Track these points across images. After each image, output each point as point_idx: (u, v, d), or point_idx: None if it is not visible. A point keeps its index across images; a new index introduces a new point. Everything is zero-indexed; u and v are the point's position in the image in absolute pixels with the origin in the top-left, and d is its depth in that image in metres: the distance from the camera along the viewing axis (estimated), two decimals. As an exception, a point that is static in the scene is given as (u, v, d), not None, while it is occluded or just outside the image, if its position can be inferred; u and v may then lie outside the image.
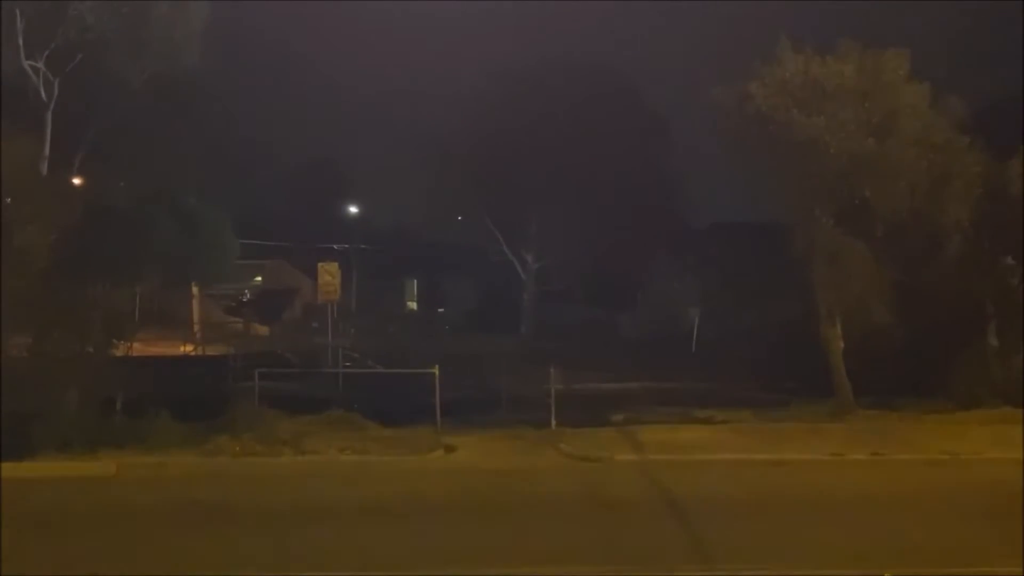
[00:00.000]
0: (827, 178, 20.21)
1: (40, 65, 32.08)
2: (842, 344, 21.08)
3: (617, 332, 45.71)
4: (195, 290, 48.16)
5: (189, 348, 38.82)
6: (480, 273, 54.11)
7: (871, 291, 20.35)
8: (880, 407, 20.66)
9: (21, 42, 31.45)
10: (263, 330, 49.30)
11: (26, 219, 17.65)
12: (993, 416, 19.14)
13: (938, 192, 20.25)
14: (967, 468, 15.64)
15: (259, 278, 58.95)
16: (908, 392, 21.16)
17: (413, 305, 63.15)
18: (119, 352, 19.60)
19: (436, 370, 19.79)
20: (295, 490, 14.49)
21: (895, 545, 11.11)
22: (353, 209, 60.29)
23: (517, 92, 45.83)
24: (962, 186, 20.34)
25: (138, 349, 29.43)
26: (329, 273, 30.31)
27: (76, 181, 32.33)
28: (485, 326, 46.44)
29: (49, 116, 32.16)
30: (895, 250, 20.54)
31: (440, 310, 57.59)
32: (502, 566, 10.39)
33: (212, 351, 36.50)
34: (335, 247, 51.88)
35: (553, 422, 19.30)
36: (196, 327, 45.21)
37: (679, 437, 18.12)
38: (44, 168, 27.72)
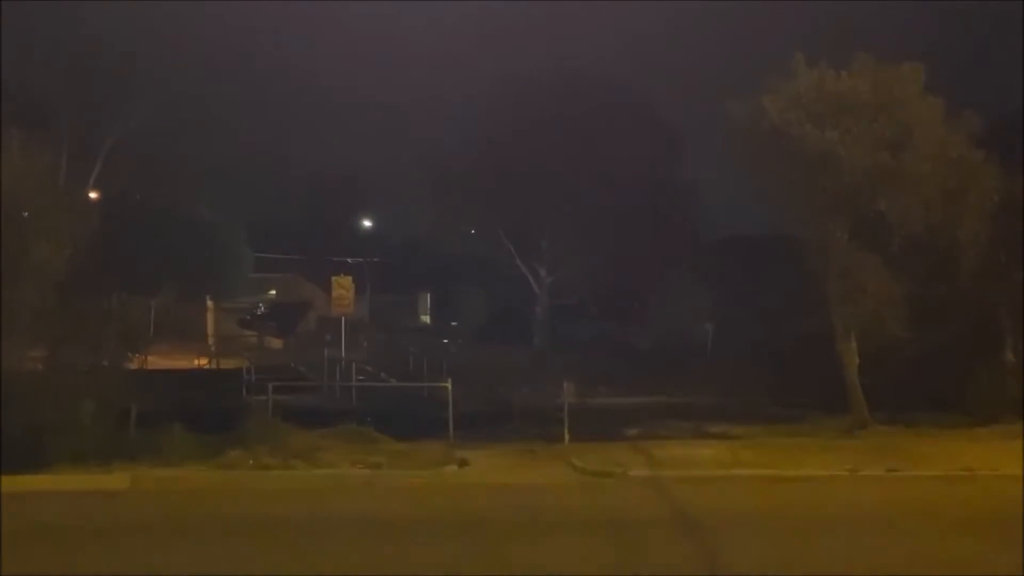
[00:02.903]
0: (841, 192, 20.16)
1: (57, 80, 32.38)
2: (857, 359, 20.98)
3: (630, 346, 45.64)
4: (210, 303, 48.47)
5: (203, 361, 38.98)
6: (493, 286, 54.16)
7: (886, 306, 20.26)
8: (896, 422, 20.53)
9: (37, 57, 31.80)
10: (277, 343, 49.51)
11: (42, 233, 17.75)
12: (1010, 432, 18.95)
13: (953, 206, 20.18)
14: (984, 484, 15.51)
15: (273, 291, 59.18)
16: (924, 407, 21.04)
17: (426, 318, 63.27)
18: (134, 365, 19.70)
19: (449, 384, 19.79)
20: (308, 504, 14.48)
21: (910, 561, 11.03)
22: (367, 223, 60.50)
23: (531, 105, 45.97)
24: (977, 200, 20.26)
25: (153, 362, 29.64)
26: (343, 287, 30.51)
27: (92, 195, 32.57)
28: (498, 339, 46.44)
29: (66, 130, 32.43)
30: (910, 264, 20.44)
31: (453, 323, 57.64)
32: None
33: (226, 364, 36.62)
34: (349, 261, 52.12)
35: (566, 436, 19.25)
36: (210, 340, 45.44)
37: (693, 452, 18.04)
38: (61, 182, 27.92)
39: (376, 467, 16.74)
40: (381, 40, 61.92)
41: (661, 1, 49.48)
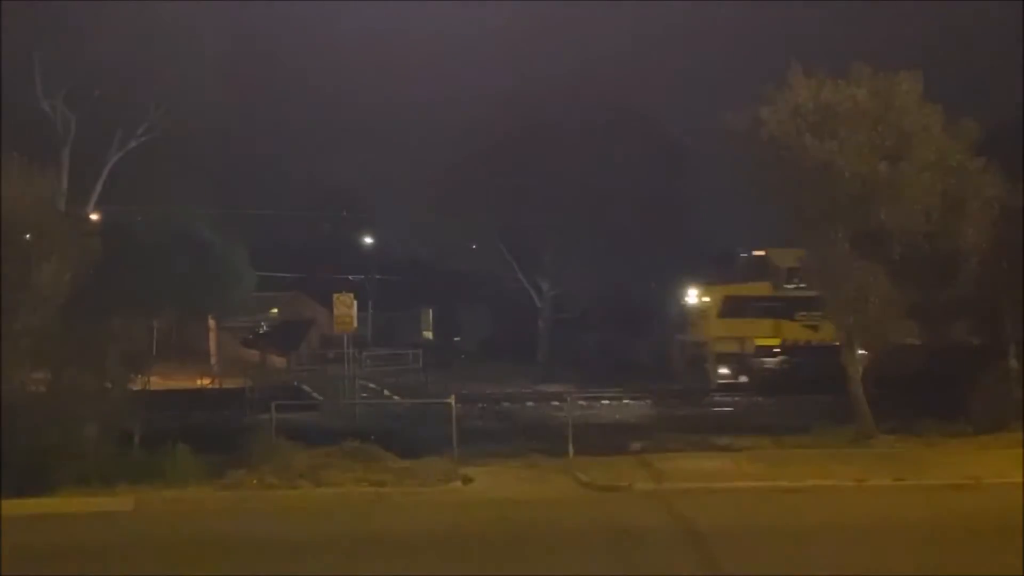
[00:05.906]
0: (841, 202, 20.13)
1: (58, 103, 32.45)
2: (861, 369, 20.92)
3: (634, 359, 45.55)
4: (212, 323, 48.42)
5: (206, 381, 38.93)
6: (495, 301, 54.09)
7: (889, 315, 20.22)
8: (901, 432, 20.48)
9: (39, 79, 31.86)
10: (280, 361, 49.44)
11: (44, 255, 17.75)
12: (1015, 439, 18.89)
13: (954, 214, 20.14)
14: (990, 493, 15.45)
15: (275, 310, 59.10)
16: (929, 416, 20.99)
17: (429, 334, 63.14)
18: (137, 386, 19.66)
19: (453, 400, 19.75)
20: (312, 523, 14.45)
21: (917, 571, 10.98)
22: (368, 239, 60.47)
23: (532, 120, 46.01)
24: (978, 208, 20.22)
25: (156, 383, 29.59)
26: (345, 304, 30.45)
27: (94, 216, 32.60)
28: (501, 354, 46.40)
29: (67, 152, 32.49)
30: (912, 273, 20.40)
31: (456, 339, 57.57)
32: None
33: (229, 383, 36.55)
34: (350, 278, 52.05)
35: (571, 451, 19.18)
36: (213, 360, 45.40)
37: (698, 465, 17.99)
38: (62, 204, 27.95)
39: (381, 485, 16.68)
40: (383, 56, 62.08)
41: (662, 8, 49.58)
